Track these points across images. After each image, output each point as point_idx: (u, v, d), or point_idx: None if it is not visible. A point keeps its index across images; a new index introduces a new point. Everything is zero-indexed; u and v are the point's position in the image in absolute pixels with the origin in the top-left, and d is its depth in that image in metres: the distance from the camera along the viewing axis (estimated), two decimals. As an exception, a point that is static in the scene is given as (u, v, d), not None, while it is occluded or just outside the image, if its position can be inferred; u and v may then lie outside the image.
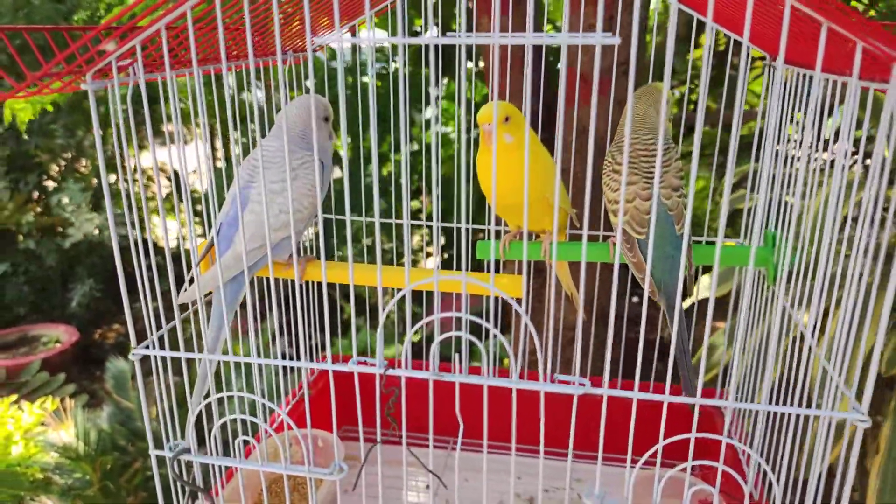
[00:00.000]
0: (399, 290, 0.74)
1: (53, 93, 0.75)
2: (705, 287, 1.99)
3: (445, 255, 3.39)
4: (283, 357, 0.82)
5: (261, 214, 0.87)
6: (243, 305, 0.94)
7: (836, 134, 0.90)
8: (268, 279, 0.97)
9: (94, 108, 0.74)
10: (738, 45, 1.15)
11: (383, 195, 3.13)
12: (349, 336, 3.14)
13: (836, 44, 0.69)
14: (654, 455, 0.71)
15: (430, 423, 0.74)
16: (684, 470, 0.72)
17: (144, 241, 0.78)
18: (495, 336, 0.71)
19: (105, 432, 2.43)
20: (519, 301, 0.86)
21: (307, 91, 1.24)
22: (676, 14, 0.65)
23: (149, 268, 0.80)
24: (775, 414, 0.95)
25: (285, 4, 0.94)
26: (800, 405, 0.75)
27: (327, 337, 0.75)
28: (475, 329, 0.71)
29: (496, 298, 1.05)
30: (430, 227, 2.20)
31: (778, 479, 0.73)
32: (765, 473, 0.97)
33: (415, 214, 3.47)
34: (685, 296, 1.00)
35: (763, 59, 1.14)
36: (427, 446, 0.80)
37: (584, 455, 1.37)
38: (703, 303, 1.90)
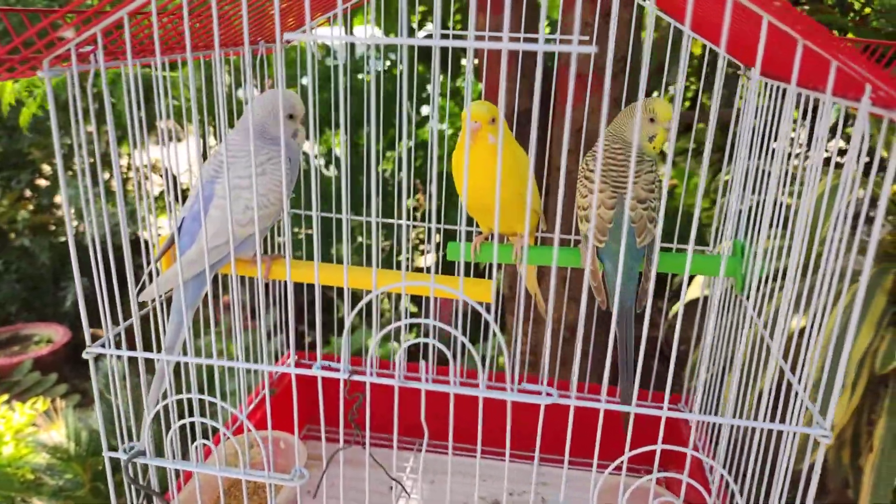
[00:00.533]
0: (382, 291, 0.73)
1: (8, 79, 0.71)
2: (697, 285, 2.01)
3: (442, 253, 3.36)
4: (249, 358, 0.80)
5: (227, 210, 0.85)
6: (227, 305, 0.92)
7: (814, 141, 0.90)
8: (239, 277, 0.95)
9: (51, 97, 0.71)
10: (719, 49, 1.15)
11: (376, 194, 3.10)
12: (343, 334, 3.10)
13: (811, 59, 0.69)
14: (621, 463, 0.71)
15: (394, 430, 0.73)
16: (640, 482, 0.72)
17: (103, 237, 0.76)
18: (469, 341, 0.70)
19: (97, 433, 2.39)
20: (488, 306, 0.85)
21: (301, 86, 1.21)
22: (653, 22, 0.64)
23: (107, 261, 0.77)
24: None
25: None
26: (766, 418, 0.75)
27: (291, 338, 0.73)
28: (472, 331, 0.70)
29: (495, 298, 1.04)
30: (426, 225, 2.20)
31: (742, 490, 0.73)
32: (728, 482, 0.97)
33: (408, 213, 3.45)
34: (638, 306, 1.01)
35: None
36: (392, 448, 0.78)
37: (551, 458, 1.37)
38: (692, 305, 1.91)
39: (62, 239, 4.21)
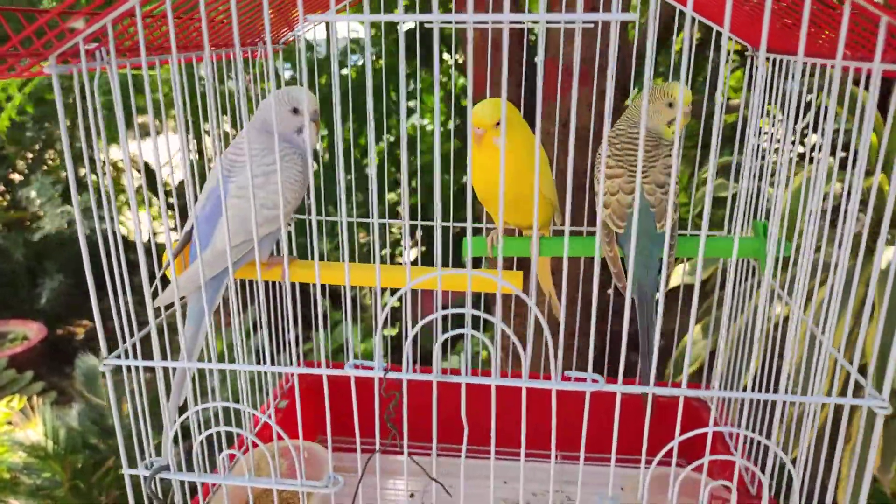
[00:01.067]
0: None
1: (10, 78, 0.68)
2: (679, 275, 1.99)
3: (423, 249, 3.34)
4: (266, 360, 0.76)
5: (242, 210, 0.81)
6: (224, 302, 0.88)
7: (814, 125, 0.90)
8: (244, 280, 0.91)
9: (59, 95, 0.67)
10: (717, 36, 1.15)
11: (360, 189, 3.08)
12: (328, 330, 3.06)
13: (817, 27, 0.68)
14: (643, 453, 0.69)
15: (433, 428, 0.70)
16: (689, 469, 0.70)
17: (116, 239, 0.72)
18: (477, 332, 0.67)
19: (75, 430, 2.34)
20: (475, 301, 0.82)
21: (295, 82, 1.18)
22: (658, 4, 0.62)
23: (120, 268, 0.73)
24: (764, 403, 0.94)
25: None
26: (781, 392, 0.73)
27: (321, 342, 0.70)
28: (455, 325, 0.68)
29: (475, 294, 1.01)
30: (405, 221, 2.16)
31: (797, 470, 0.71)
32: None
33: (392, 207, 3.42)
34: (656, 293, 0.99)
35: (740, 52, 1.14)
36: (422, 453, 0.75)
37: (570, 456, 1.34)
38: (674, 291, 1.90)
39: (37, 235, 4.09)
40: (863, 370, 1.34)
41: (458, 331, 0.66)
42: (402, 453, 0.75)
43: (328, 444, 0.72)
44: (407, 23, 2.83)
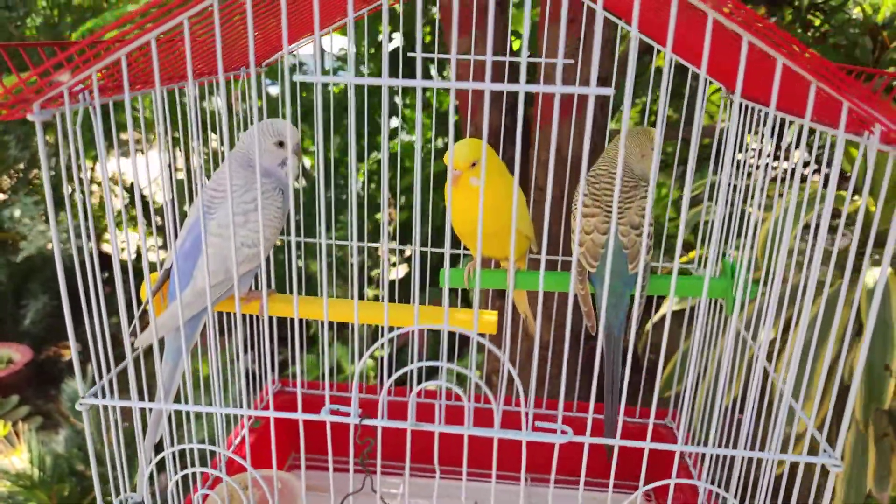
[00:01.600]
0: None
1: (-6, 119, 0.68)
2: (667, 300, 2.04)
3: (407, 269, 3.35)
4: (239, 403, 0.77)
5: (221, 248, 0.82)
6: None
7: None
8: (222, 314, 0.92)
9: (42, 139, 0.67)
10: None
11: (344, 211, 3.07)
12: (314, 351, 3.04)
13: (790, 84, 0.71)
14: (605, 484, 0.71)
15: (405, 475, 0.71)
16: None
17: (94, 274, 0.72)
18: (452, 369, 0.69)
19: (62, 457, 2.28)
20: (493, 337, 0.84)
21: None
22: (637, 48, 0.64)
23: (98, 306, 0.74)
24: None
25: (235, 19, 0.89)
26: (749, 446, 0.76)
27: (298, 391, 0.71)
28: (434, 355, 0.70)
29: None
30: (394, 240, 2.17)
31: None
32: None
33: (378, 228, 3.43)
34: (626, 333, 1.02)
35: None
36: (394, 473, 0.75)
37: (537, 478, 1.37)
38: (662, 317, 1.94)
39: (21, 255, 4.02)
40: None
41: (432, 383, 0.68)
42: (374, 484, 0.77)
43: (302, 482, 0.73)
44: (393, 43, 2.84)
